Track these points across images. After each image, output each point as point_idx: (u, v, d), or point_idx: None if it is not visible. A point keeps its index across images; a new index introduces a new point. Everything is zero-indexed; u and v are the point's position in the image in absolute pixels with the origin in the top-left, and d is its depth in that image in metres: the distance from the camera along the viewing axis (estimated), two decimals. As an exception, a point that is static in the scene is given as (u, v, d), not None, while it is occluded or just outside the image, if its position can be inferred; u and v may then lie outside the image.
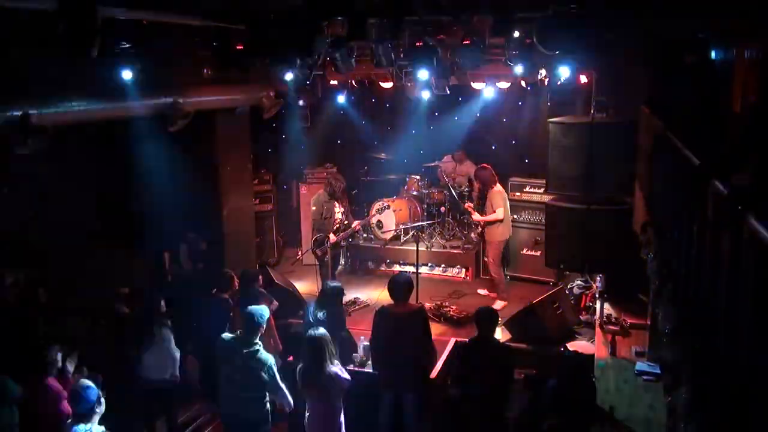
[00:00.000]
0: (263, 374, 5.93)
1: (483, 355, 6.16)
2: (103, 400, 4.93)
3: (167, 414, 7.07)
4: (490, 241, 9.88)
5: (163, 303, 6.93)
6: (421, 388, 6.64)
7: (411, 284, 6.75)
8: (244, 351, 5.93)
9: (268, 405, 6.14)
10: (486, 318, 6.23)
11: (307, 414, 6.06)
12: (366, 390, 7.02)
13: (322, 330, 5.92)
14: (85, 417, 4.77)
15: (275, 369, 6.01)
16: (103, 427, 4.86)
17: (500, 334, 8.60)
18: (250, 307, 6.13)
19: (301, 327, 7.75)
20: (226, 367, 6.11)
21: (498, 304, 9.54)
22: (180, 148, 8.85)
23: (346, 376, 5.94)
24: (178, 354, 6.88)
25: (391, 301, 6.76)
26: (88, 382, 4.96)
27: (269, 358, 5.99)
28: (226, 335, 6.25)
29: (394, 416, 6.70)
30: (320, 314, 7.11)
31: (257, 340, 5.98)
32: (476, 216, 10.03)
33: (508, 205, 9.97)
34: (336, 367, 5.86)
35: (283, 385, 6.06)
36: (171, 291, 8.52)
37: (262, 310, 6.10)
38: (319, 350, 5.78)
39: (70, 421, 4.89)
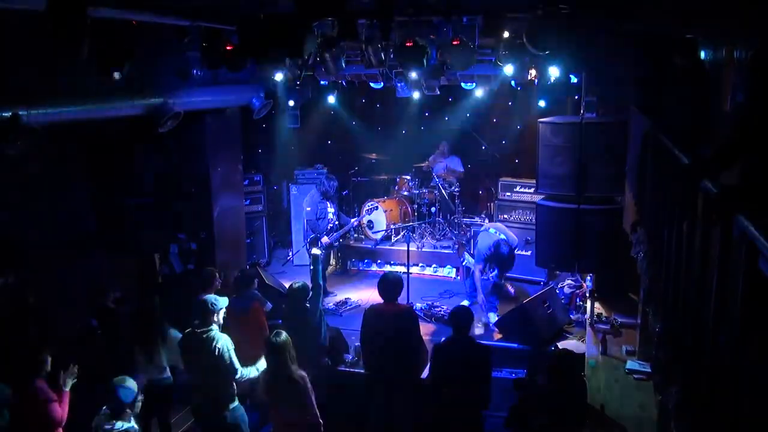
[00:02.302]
0: (218, 355, 5.98)
1: (459, 354, 6.19)
2: (140, 402, 5.11)
3: (160, 414, 7.05)
4: None
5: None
6: (412, 388, 6.64)
7: (401, 284, 6.74)
8: (200, 336, 6.02)
9: (235, 396, 6.19)
10: (461, 317, 6.27)
11: (273, 421, 6.06)
12: (357, 390, 7.03)
13: (284, 334, 5.90)
14: (117, 414, 5.05)
15: (229, 349, 6.06)
16: (134, 424, 4.98)
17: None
18: (202, 296, 6.19)
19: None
20: (188, 359, 6.19)
21: (492, 318, 9.42)
22: (170, 148, 8.83)
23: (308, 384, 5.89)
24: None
25: (381, 301, 6.76)
26: (129, 383, 5.15)
27: (221, 337, 6.06)
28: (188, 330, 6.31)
29: (385, 415, 6.70)
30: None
31: (212, 327, 6.07)
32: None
33: None
34: (300, 371, 5.82)
35: (239, 366, 6.13)
36: (161, 292, 8.51)
37: (215, 298, 6.18)
38: (281, 354, 5.77)
39: (103, 413, 5.08)
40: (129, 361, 6.73)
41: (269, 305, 7.78)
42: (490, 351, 6.29)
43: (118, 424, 4.99)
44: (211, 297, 6.20)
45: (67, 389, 5.67)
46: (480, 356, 6.23)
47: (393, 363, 6.53)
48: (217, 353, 5.99)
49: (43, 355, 5.74)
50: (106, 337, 7.09)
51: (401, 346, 6.53)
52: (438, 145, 12.20)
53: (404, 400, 6.59)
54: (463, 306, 6.67)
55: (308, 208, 9.75)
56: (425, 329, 8.61)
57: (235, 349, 6.15)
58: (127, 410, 5.08)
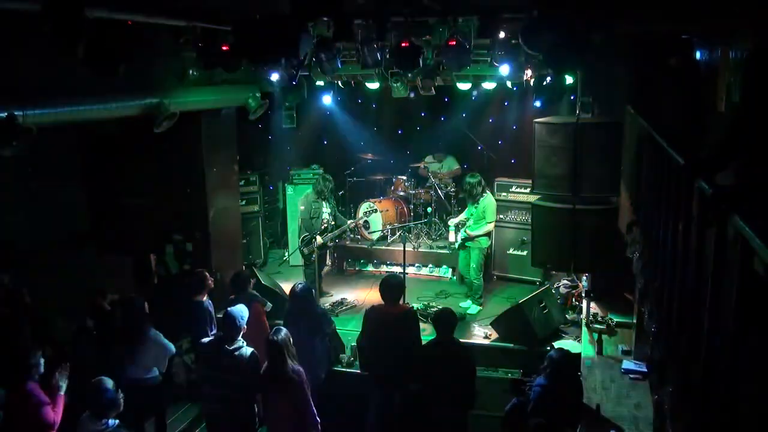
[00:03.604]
0: (247, 371, 5.97)
1: (443, 356, 6.22)
2: (120, 401, 5.10)
3: (156, 414, 7.04)
4: (473, 248, 9.57)
5: (146, 305, 6.93)
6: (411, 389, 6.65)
7: (402, 286, 6.76)
8: (228, 350, 5.98)
9: (255, 405, 6.18)
10: (444, 319, 6.30)
11: (269, 419, 6.07)
12: (353, 390, 7.03)
13: (283, 332, 5.92)
14: (97, 414, 5.00)
15: (258, 364, 6.07)
16: (117, 421, 5.01)
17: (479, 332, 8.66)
18: (230, 309, 6.18)
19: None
20: (208, 369, 6.15)
21: (473, 309, 9.54)
22: (165, 149, 8.81)
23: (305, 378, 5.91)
24: (168, 351, 6.87)
25: (381, 302, 6.76)
26: (107, 384, 5.08)
27: (254, 353, 6.07)
28: (207, 338, 6.30)
29: (383, 415, 6.71)
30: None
31: (239, 338, 6.06)
32: (470, 232, 9.46)
33: None
34: (297, 367, 5.84)
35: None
36: (157, 293, 8.50)
37: (242, 311, 6.16)
38: (280, 352, 5.77)
39: (86, 414, 5.03)
40: (118, 361, 6.72)
41: (269, 305, 7.80)
42: (472, 352, 6.34)
43: (111, 422, 4.97)
44: (238, 310, 6.18)
45: (62, 392, 5.65)
46: (463, 357, 6.26)
47: (393, 363, 6.53)
48: (249, 372, 6.00)
49: (36, 357, 5.70)
50: (102, 338, 7.08)
51: (402, 346, 6.53)
52: (434, 155, 12.20)
53: (402, 399, 6.60)
54: (447, 308, 6.71)
55: (302, 207, 9.74)
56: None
57: None
58: (111, 410, 5.05)
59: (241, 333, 6.09)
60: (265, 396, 6.02)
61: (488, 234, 9.56)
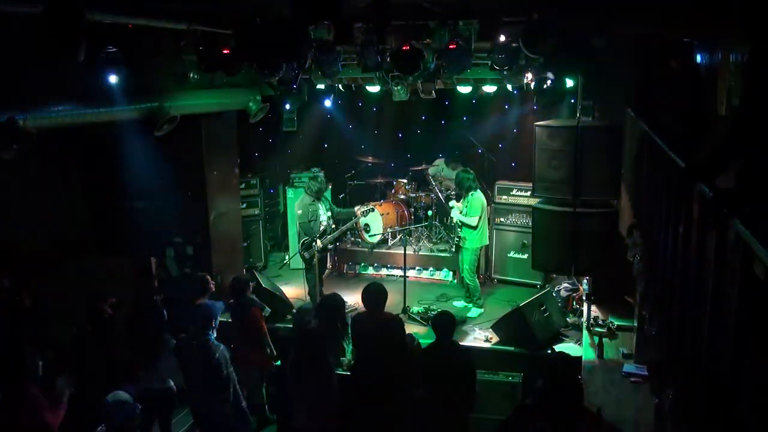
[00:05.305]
0: (215, 364, 6.08)
1: (442, 359, 6.20)
2: (138, 413, 5.11)
3: (162, 420, 7.03)
4: (465, 248, 9.57)
5: (165, 312, 6.96)
6: (402, 393, 6.62)
7: (384, 293, 6.67)
8: (198, 343, 6.13)
9: (241, 402, 6.23)
10: (443, 322, 6.27)
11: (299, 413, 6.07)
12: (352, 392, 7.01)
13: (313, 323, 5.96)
14: (115, 429, 4.98)
15: (226, 358, 6.19)
16: None
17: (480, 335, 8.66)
18: (204, 302, 6.24)
19: (289, 331, 7.75)
20: (188, 367, 6.25)
21: (474, 312, 9.54)
22: (166, 152, 8.82)
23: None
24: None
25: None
26: (123, 397, 5.05)
27: (219, 346, 6.18)
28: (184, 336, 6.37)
29: (379, 418, 6.69)
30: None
31: (209, 332, 6.16)
32: (455, 213, 9.59)
33: (486, 214, 9.74)
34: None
35: (234, 377, 6.27)
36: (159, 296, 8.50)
37: (216, 305, 6.24)
38: (313, 344, 5.81)
39: (101, 428, 5.07)
40: (126, 368, 6.70)
41: (268, 309, 7.78)
42: (472, 355, 6.31)
43: None
44: (211, 303, 6.22)
45: (64, 397, 5.64)
46: (463, 360, 6.24)
47: (380, 372, 6.48)
48: (214, 362, 6.01)
49: (35, 360, 5.69)
50: (101, 342, 7.07)
51: (388, 355, 6.48)
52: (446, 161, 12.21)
53: (392, 408, 6.57)
54: (446, 311, 6.67)
55: (299, 212, 9.66)
56: (421, 333, 8.61)
57: (233, 356, 6.18)
58: (129, 423, 5.04)
59: (211, 326, 6.18)
60: (296, 381, 6.00)
61: (475, 229, 9.47)
